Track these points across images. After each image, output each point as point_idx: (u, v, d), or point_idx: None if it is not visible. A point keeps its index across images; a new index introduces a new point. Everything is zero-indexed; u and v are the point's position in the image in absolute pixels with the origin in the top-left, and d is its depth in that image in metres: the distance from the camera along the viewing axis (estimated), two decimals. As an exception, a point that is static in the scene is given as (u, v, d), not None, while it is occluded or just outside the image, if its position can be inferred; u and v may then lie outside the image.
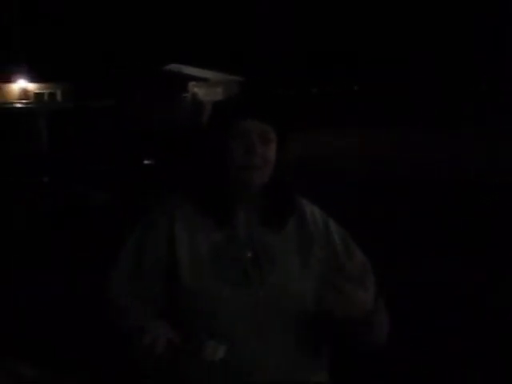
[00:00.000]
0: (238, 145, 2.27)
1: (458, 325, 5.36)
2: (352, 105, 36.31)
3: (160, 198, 2.45)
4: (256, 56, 38.49)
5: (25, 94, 30.47)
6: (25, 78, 30.76)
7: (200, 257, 2.28)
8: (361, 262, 2.39)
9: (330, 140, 24.10)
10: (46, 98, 30.61)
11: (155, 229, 2.35)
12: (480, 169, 15.07)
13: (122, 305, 2.29)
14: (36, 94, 30.86)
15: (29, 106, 13.64)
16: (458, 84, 39.46)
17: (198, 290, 2.24)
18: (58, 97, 31.10)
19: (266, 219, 2.36)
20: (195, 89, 31.96)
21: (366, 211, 9.53)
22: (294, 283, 2.30)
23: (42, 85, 31.35)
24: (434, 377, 4.52)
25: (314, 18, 42.13)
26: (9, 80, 30.77)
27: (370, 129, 28.04)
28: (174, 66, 32.72)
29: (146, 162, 11.81)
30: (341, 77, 42.35)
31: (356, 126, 28.98)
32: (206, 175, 2.38)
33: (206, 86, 32.41)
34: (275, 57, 39.72)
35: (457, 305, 5.82)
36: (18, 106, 13.72)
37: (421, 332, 5.01)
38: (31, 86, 31.20)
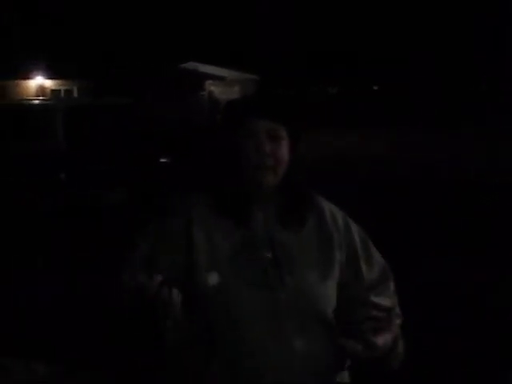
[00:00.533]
0: (248, 145, 2.27)
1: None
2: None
3: (173, 198, 2.44)
4: (270, 55, 38.53)
5: (42, 90, 30.65)
6: (42, 75, 30.94)
7: (218, 258, 2.26)
8: (381, 269, 2.42)
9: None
10: (62, 94, 30.77)
11: (170, 223, 2.32)
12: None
13: (136, 281, 2.17)
14: (52, 90, 31.04)
15: (46, 102, 13.67)
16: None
17: (216, 291, 2.22)
18: (75, 93, 31.27)
19: (284, 219, 2.35)
20: (212, 87, 32.05)
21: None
22: (314, 284, 2.29)
23: (59, 82, 31.52)
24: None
25: (322, 18, 42.25)
26: (26, 77, 30.96)
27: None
28: (190, 65, 32.82)
29: (162, 160, 11.83)
30: (355, 76, 42.45)
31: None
32: (220, 175, 2.38)
33: (223, 85, 32.49)
34: (290, 56, 39.78)
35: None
36: (36, 102, 13.76)
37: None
38: (48, 83, 31.39)
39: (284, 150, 2.31)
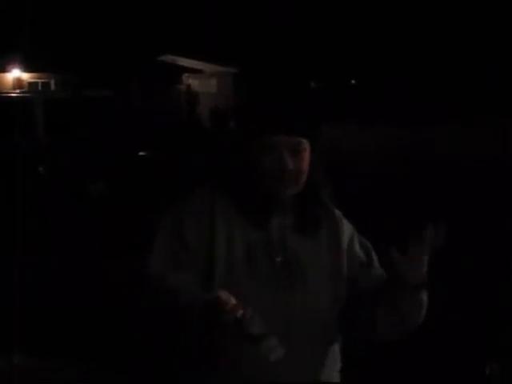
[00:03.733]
0: (269, 161, 2.22)
1: (458, 325, 5.43)
2: (353, 101, 36.27)
3: (196, 189, 2.39)
4: (250, 47, 38.47)
5: (18, 83, 30.49)
6: (19, 68, 30.80)
7: (236, 255, 2.26)
8: (379, 275, 2.41)
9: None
10: (39, 87, 30.64)
11: (195, 211, 2.30)
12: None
13: (171, 282, 2.20)
14: (30, 83, 30.91)
15: (25, 95, 13.65)
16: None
17: (230, 287, 2.17)
18: (52, 86, 31.13)
19: (300, 225, 2.35)
20: (189, 80, 32.01)
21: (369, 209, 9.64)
22: (322, 292, 2.31)
23: (36, 74, 31.39)
24: (433, 377, 4.58)
25: (312, 12, 42.16)
26: (3, 70, 30.81)
27: (355, 123, 28.12)
28: (168, 57, 32.74)
29: (140, 153, 11.86)
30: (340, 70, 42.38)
31: (357, 121, 29.00)
32: (238, 183, 2.33)
33: (200, 78, 32.47)
34: (270, 48, 39.72)
35: (457, 304, 5.85)
36: (14, 95, 13.73)
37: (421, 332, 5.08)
38: (25, 76, 31.24)
39: (306, 162, 2.27)
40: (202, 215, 2.29)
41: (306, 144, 2.26)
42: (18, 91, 17.98)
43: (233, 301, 2.00)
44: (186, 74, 32.67)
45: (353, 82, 44.29)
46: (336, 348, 2.38)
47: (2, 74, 31.00)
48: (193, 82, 31.73)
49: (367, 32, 41.24)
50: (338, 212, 2.44)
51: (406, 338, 2.35)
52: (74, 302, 6.03)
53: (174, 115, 20.80)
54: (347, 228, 2.43)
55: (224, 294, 2.01)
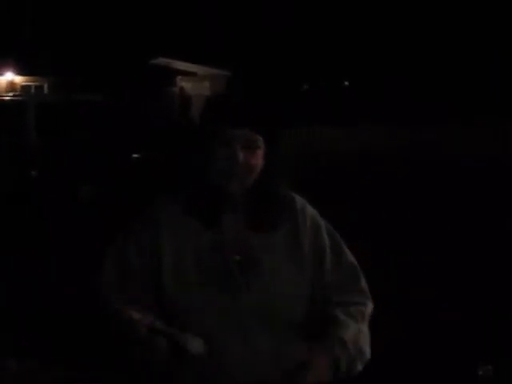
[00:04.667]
0: (221, 153, 2.26)
1: (449, 326, 5.40)
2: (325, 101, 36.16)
3: (148, 202, 2.43)
4: (243, 50, 38.49)
5: (12, 86, 30.47)
6: (12, 71, 30.79)
7: (185, 263, 2.28)
8: (350, 268, 2.42)
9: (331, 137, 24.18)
10: (33, 90, 30.60)
11: (138, 237, 2.34)
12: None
13: (115, 309, 2.25)
14: (23, 86, 30.87)
15: (18, 98, 13.66)
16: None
17: (181, 299, 2.25)
18: (45, 90, 31.10)
19: (253, 223, 2.34)
20: (183, 83, 32.00)
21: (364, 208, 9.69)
22: (282, 288, 2.29)
23: (30, 78, 31.35)
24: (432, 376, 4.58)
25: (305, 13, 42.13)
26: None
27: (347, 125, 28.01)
28: (161, 60, 32.74)
29: (134, 155, 11.89)
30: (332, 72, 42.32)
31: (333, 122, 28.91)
32: (190, 178, 2.39)
33: (194, 81, 32.47)
34: (262, 51, 39.74)
35: (456, 304, 5.84)
36: (7, 98, 13.74)
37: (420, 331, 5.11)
38: (18, 79, 31.21)
39: (258, 159, 2.30)
40: (146, 233, 2.33)
41: (260, 142, 2.29)
42: (11, 94, 18.01)
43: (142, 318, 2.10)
44: (179, 77, 32.67)
45: (346, 83, 44.26)
46: (303, 347, 2.33)
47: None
48: (186, 84, 31.70)
49: (365, 31, 41.20)
50: (300, 205, 2.41)
51: (398, 339, 2.39)
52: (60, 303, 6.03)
53: (167, 118, 20.80)
54: (311, 222, 2.40)
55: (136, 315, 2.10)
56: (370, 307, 2.41)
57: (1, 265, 7.34)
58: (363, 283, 2.44)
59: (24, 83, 31.11)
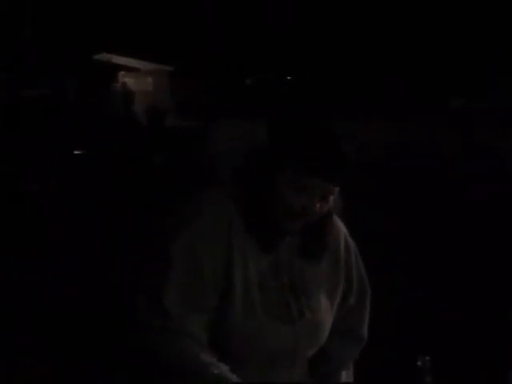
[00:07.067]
0: (297, 199, 2.12)
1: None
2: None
3: (208, 216, 2.18)
4: (184, 45, 38.40)
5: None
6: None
7: (251, 282, 2.18)
8: (362, 290, 2.45)
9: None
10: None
11: (213, 232, 2.16)
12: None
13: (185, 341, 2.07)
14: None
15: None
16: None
17: (246, 318, 2.17)
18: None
19: (306, 251, 2.28)
20: (125, 78, 31.85)
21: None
22: (323, 316, 2.31)
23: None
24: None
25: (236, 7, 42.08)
26: None
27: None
28: (104, 56, 32.52)
29: (76, 151, 11.94)
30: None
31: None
32: (252, 203, 2.18)
33: (136, 76, 32.32)
34: (206, 46, 39.68)
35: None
36: None
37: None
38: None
39: (329, 205, 2.20)
40: (219, 238, 2.15)
41: (335, 191, 2.18)
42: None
43: None
44: (122, 72, 32.47)
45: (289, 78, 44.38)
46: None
47: None
48: (129, 80, 31.55)
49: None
50: (344, 233, 2.39)
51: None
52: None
53: (109, 114, 20.81)
54: (354, 255, 2.40)
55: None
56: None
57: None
58: (365, 328, 2.51)
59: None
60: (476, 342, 5.18)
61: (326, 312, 2.31)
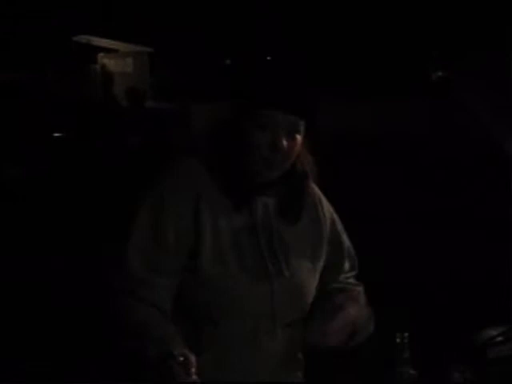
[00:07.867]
0: (263, 138, 2.16)
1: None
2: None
3: (179, 168, 2.21)
4: (164, 27, 38.18)
5: None
6: None
7: (222, 242, 2.20)
8: (352, 258, 2.51)
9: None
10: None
11: (179, 194, 2.19)
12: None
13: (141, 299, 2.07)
14: None
15: None
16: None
17: (218, 277, 2.18)
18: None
19: (283, 210, 2.31)
20: (104, 60, 31.69)
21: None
22: (304, 277, 2.33)
23: None
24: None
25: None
26: None
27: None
28: (82, 37, 32.32)
29: (55, 134, 11.89)
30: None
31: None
32: (223, 159, 2.22)
33: (116, 57, 32.15)
34: (184, 28, 39.47)
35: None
36: None
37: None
38: None
39: (298, 145, 2.22)
40: (186, 201, 2.18)
41: (302, 127, 2.21)
42: None
43: (194, 365, 1.98)
44: (101, 54, 32.29)
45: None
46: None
47: None
48: (108, 61, 31.39)
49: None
50: (318, 194, 2.41)
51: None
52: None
53: (89, 96, 20.71)
54: (329, 213, 2.43)
55: (192, 358, 1.95)
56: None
57: None
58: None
59: None
60: (454, 319, 5.21)
61: (307, 273, 2.31)
